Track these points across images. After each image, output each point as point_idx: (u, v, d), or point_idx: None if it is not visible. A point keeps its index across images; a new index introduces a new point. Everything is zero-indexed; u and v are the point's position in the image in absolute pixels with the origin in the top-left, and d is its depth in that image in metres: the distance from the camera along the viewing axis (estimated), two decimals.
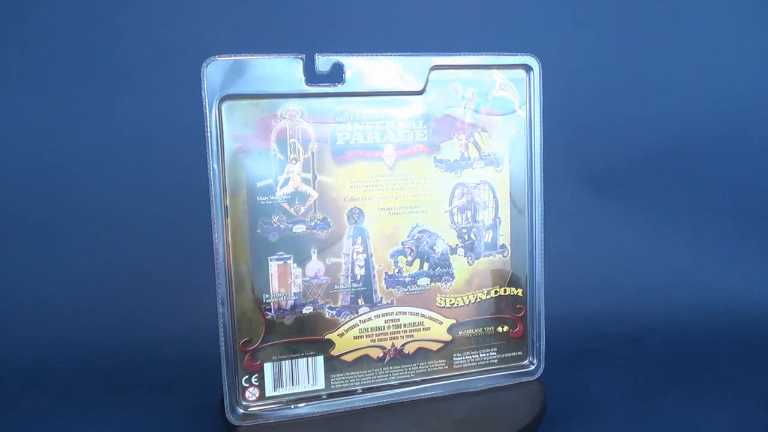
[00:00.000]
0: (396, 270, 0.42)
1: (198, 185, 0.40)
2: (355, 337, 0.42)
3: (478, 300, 0.44)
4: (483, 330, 0.44)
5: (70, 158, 0.60)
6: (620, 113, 0.67)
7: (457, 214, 0.43)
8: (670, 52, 0.67)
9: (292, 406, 0.41)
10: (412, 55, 0.41)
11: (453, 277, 0.43)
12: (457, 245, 0.43)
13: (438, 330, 0.43)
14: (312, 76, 0.39)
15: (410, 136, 0.42)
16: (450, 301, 0.44)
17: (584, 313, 0.61)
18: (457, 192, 0.43)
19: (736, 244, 0.66)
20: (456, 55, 0.41)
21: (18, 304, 0.58)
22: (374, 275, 0.42)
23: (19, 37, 0.59)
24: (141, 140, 0.61)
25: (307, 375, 0.41)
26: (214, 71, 0.37)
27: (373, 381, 0.42)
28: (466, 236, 0.44)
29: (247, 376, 0.40)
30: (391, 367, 0.43)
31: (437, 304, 0.43)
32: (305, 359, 0.41)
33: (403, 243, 0.42)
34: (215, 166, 0.38)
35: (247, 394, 0.40)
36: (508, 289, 0.45)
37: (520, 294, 0.45)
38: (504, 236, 0.44)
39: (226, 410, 0.40)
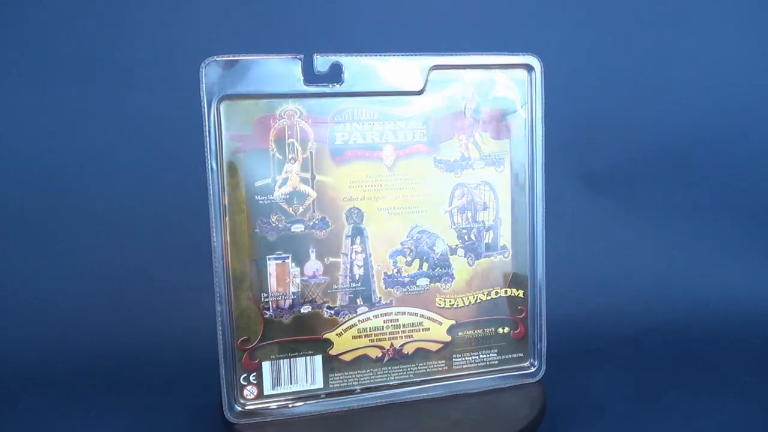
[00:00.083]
0: (395, 270, 0.42)
1: (197, 185, 0.40)
2: (354, 337, 0.42)
3: (479, 301, 0.44)
4: (483, 331, 0.44)
5: (70, 158, 0.60)
6: (620, 113, 0.67)
7: (457, 214, 0.43)
8: (670, 52, 0.66)
9: (290, 405, 0.41)
10: (411, 55, 0.40)
11: (453, 278, 0.43)
12: (457, 246, 0.43)
13: (437, 330, 0.43)
14: (310, 76, 0.39)
15: (409, 136, 0.41)
16: (450, 301, 0.43)
17: (584, 313, 0.61)
18: (457, 192, 0.43)
19: (736, 244, 0.66)
20: (456, 55, 0.41)
21: (18, 304, 0.58)
22: (373, 275, 0.42)
23: (19, 37, 0.59)
24: (140, 140, 0.61)
25: (305, 374, 0.41)
26: (213, 71, 0.37)
27: (371, 381, 0.42)
28: (466, 237, 0.43)
29: (245, 375, 0.40)
30: (390, 368, 0.43)
31: (437, 304, 0.43)
32: (303, 358, 0.41)
33: (402, 243, 0.42)
34: (214, 165, 0.38)
35: (246, 392, 0.40)
36: (508, 290, 0.44)
37: (521, 295, 0.45)
38: (505, 237, 0.44)
39: (224, 408, 0.40)
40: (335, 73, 0.39)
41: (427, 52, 0.41)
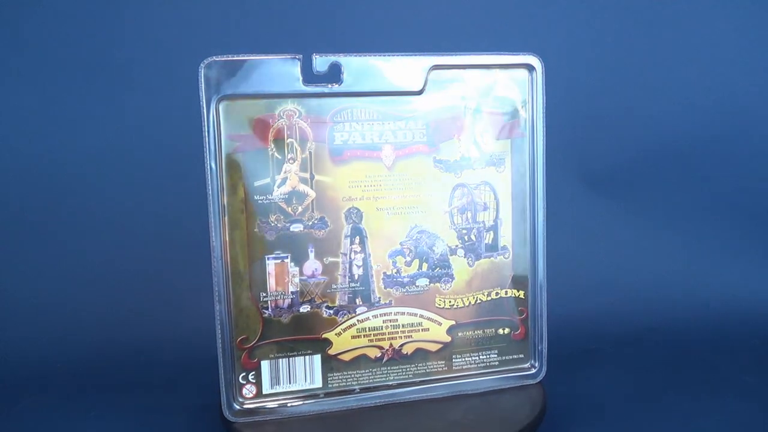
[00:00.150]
0: (394, 270, 0.42)
1: (197, 185, 0.40)
2: (353, 337, 0.42)
3: (479, 301, 0.44)
4: (483, 332, 0.44)
5: (70, 158, 0.60)
6: (620, 113, 0.67)
7: (456, 214, 0.43)
8: (670, 52, 0.66)
9: (289, 404, 0.41)
10: (410, 55, 0.40)
11: (452, 278, 0.43)
12: (456, 246, 0.43)
13: (437, 331, 0.43)
14: (309, 76, 0.39)
15: (409, 136, 0.41)
16: (449, 302, 0.43)
17: (584, 313, 0.61)
18: (457, 192, 0.43)
19: (736, 244, 0.66)
20: (457, 54, 0.41)
21: (18, 304, 0.58)
22: (372, 275, 0.42)
23: (19, 37, 0.59)
24: (140, 140, 0.61)
25: (304, 373, 0.41)
26: (212, 71, 0.37)
27: (370, 381, 0.42)
28: (466, 237, 0.43)
29: (244, 374, 0.40)
30: (389, 368, 0.43)
31: (436, 305, 0.43)
32: (302, 358, 0.41)
33: (401, 243, 0.42)
34: (213, 165, 0.38)
35: (244, 391, 0.41)
36: (509, 290, 0.44)
37: (521, 296, 0.44)
38: (505, 237, 0.44)
39: (223, 406, 0.40)
40: (334, 73, 0.39)
41: (427, 52, 0.41)
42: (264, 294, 0.40)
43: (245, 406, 0.40)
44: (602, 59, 0.66)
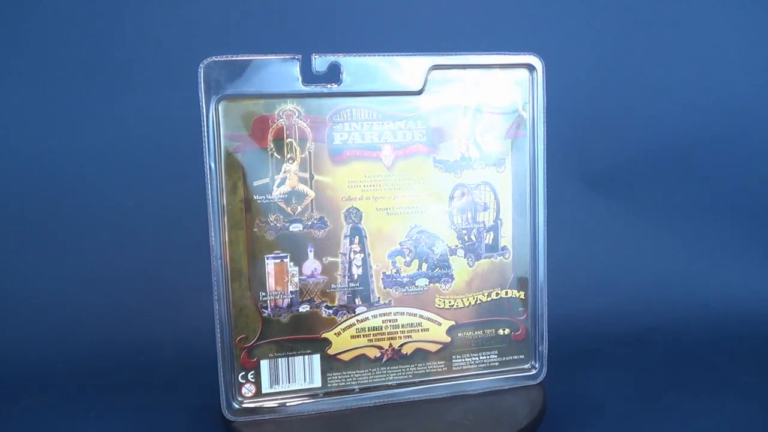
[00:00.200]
0: (394, 270, 0.42)
1: (196, 185, 0.40)
2: (352, 337, 0.42)
3: (479, 302, 0.44)
4: (483, 332, 0.44)
5: (70, 158, 0.60)
6: (620, 113, 0.66)
7: (456, 215, 0.43)
8: (671, 52, 0.66)
9: (288, 404, 0.41)
10: (410, 55, 0.40)
11: (452, 278, 0.43)
12: (456, 246, 0.43)
13: (437, 331, 0.43)
14: (309, 76, 0.39)
15: (408, 136, 0.41)
16: (449, 302, 0.43)
17: (584, 313, 0.61)
18: (457, 193, 0.43)
19: (736, 244, 0.66)
20: (457, 54, 0.41)
21: (18, 304, 0.58)
22: (372, 275, 0.42)
23: (19, 37, 0.59)
24: (139, 140, 0.61)
25: (303, 373, 0.41)
26: (211, 71, 0.37)
27: (370, 381, 0.42)
28: (466, 237, 0.43)
29: (243, 373, 0.41)
30: (388, 368, 0.43)
31: (436, 305, 0.43)
32: (302, 357, 0.41)
33: (401, 243, 0.42)
34: (212, 165, 0.38)
35: (244, 390, 0.41)
36: (509, 291, 0.44)
37: (522, 297, 0.44)
38: (506, 238, 0.44)
39: (222, 405, 0.40)
40: (333, 73, 0.40)
41: (427, 52, 0.41)
42: (263, 293, 0.40)
43: (244, 406, 0.40)
44: (602, 59, 0.66)
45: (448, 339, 0.43)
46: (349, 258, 0.42)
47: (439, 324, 0.43)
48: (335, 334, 0.42)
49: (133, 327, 0.57)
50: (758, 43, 0.66)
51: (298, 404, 0.41)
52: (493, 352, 0.44)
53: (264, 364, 0.41)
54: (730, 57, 0.66)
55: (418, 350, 0.43)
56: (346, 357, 0.42)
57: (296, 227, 0.40)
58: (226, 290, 0.39)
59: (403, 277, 0.43)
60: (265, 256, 0.40)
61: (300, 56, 0.39)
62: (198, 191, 0.40)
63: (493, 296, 0.44)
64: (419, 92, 0.41)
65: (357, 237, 0.41)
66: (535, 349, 0.44)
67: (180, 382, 0.50)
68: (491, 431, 0.39)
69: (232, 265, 0.39)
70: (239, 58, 0.38)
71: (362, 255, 0.42)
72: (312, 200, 0.40)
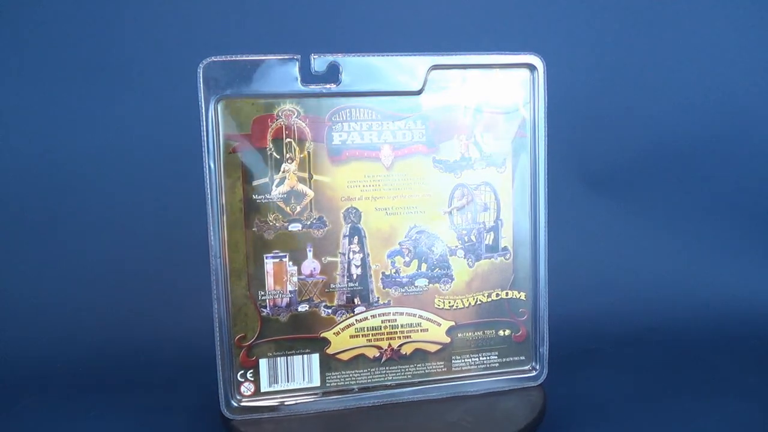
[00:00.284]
0: (393, 270, 0.42)
1: (196, 184, 0.41)
2: (351, 336, 0.42)
3: (479, 302, 0.44)
4: (483, 333, 0.44)
5: (70, 158, 0.60)
6: (620, 113, 0.66)
7: (456, 215, 0.43)
8: (671, 52, 0.66)
9: (287, 403, 0.41)
10: (409, 55, 0.40)
11: (452, 279, 0.43)
12: (456, 247, 0.43)
13: (436, 332, 0.43)
14: (308, 76, 0.39)
15: (408, 136, 0.41)
16: (449, 302, 0.43)
17: (584, 313, 0.61)
18: (457, 193, 0.43)
19: (736, 244, 0.66)
20: (457, 54, 0.41)
21: (18, 304, 0.58)
22: (371, 275, 0.42)
23: (19, 37, 0.59)
24: (139, 140, 0.61)
25: (302, 372, 0.41)
26: (211, 71, 0.38)
27: (369, 381, 0.42)
28: (466, 238, 0.43)
29: (242, 371, 0.41)
30: (387, 368, 0.43)
31: (435, 305, 0.43)
32: (300, 356, 0.41)
33: (400, 243, 0.42)
34: (212, 164, 0.38)
35: (243, 388, 0.41)
36: (510, 292, 0.44)
37: (522, 298, 0.44)
38: (506, 238, 0.44)
39: (221, 404, 0.40)
40: (332, 73, 0.40)
41: (427, 51, 0.41)
42: (262, 293, 0.40)
43: (243, 404, 0.40)
44: (602, 59, 0.66)
45: (447, 339, 0.43)
46: (348, 258, 0.41)
47: (439, 324, 0.43)
48: (334, 333, 0.42)
49: (133, 327, 0.57)
50: (758, 43, 0.66)
51: (296, 403, 0.41)
52: (493, 353, 0.44)
53: (263, 363, 0.41)
54: (730, 57, 0.66)
55: (417, 350, 0.43)
56: (345, 357, 0.42)
57: (295, 227, 0.40)
58: (225, 289, 0.40)
59: (403, 277, 0.43)
60: (264, 256, 0.40)
61: (299, 56, 0.39)
62: (197, 191, 0.40)
63: (494, 297, 0.44)
64: (419, 92, 0.41)
65: (356, 237, 0.41)
66: (535, 351, 0.44)
67: (180, 382, 0.50)
68: (490, 431, 0.40)
69: (231, 265, 0.39)
70: (238, 58, 0.38)
71: (361, 255, 0.42)
72: (311, 200, 0.40)
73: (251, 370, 0.41)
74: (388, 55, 0.40)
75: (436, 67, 0.41)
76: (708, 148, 0.66)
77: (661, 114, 0.66)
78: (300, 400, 0.41)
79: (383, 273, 0.42)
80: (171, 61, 0.60)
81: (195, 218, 0.44)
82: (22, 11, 0.59)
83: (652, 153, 0.66)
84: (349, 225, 0.41)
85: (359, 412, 0.41)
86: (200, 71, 0.38)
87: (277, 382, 0.41)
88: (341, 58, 0.39)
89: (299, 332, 0.41)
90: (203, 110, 0.38)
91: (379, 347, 0.42)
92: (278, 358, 0.41)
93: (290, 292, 0.41)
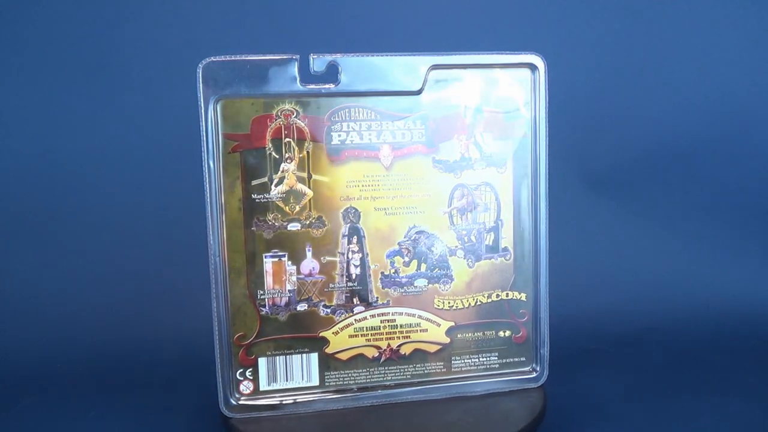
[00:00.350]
0: (392, 270, 0.42)
1: (195, 184, 0.41)
2: (350, 336, 0.42)
3: (479, 303, 0.44)
4: (483, 334, 0.44)
5: (70, 158, 0.60)
6: (620, 113, 0.66)
7: (456, 215, 0.43)
8: (671, 52, 0.66)
9: (286, 402, 0.41)
10: (408, 55, 0.40)
11: (452, 279, 0.43)
12: (456, 247, 0.43)
13: (436, 332, 0.43)
14: (307, 76, 0.39)
15: (407, 136, 0.41)
16: (449, 303, 0.43)
17: (584, 313, 0.60)
18: (457, 193, 0.43)
19: (736, 244, 0.66)
20: (457, 54, 0.41)
21: (18, 304, 0.58)
22: (370, 275, 0.42)
23: (19, 37, 0.59)
24: (139, 140, 0.61)
25: (301, 371, 0.41)
26: (210, 71, 0.38)
27: (368, 380, 0.42)
28: (465, 238, 0.43)
29: (241, 370, 0.41)
30: (386, 368, 0.43)
31: (435, 305, 0.43)
32: (299, 356, 0.41)
33: (399, 243, 0.42)
34: (211, 164, 0.38)
35: (242, 387, 0.41)
36: (510, 293, 0.44)
37: (523, 298, 0.44)
38: (506, 239, 0.44)
39: (220, 402, 0.40)
40: (332, 73, 0.40)
41: (427, 51, 0.41)
42: (261, 292, 0.40)
43: (242, 402, 0.41)
44: (603, 59, 0.66)
45: (447, 340, 0.43)
46: (347, 258, 0.42)
47: (439, 325, 0.43)
48: (333, 333, 0.42)
49: (133, 326, 0.57)
50: (758, 43, 0.66)
51: (295, 402, 0.41)
52: (493, 354, 0.44)
53: (262, 362, 0.41)
54: (730, 57, 0.66)
55: (416, 351, 0.43)
56: (344, 356, 0.42)
57: (294, 226, 0.40)
58: (225, 288, 0.40)
59: (402, 277, 0.43)
60: (264, 255, 0.40)
61: (298, 56, 0.39)
62: (197, 190, 0.40)
63: (494, 298, 0.44)
64: (418, 92, 0.41)
65: (355, 237, 0.41)
66: (536, 352, 0.44)
67: (180, 382, 0.50)
68: (490, 431, 0.39)
69: (231, 264, 0.40)
70: (238, 58, 0.38)
71: (360, 255, 0.42)
72: (310, 200, 0.41)
73: (250, 369, 0.41)
74: (387, 55, 0.40)
75: (435, 66, 0.41)
76: (708, 148, 0.66)
77: (662, 114, 0.66)
78: (299, 399, 0.41)
79: (382, 273, 0.42)
80: (170, 61, 0.60)
81: (194, 218, 0.44)
82: (22, 11, 0.59)
83: (652, 153, 0.66)
84: (348, 225, 0.41)
85: (358, 412, 0.41)
86: (199, 71, 0.38)
87: (276, 381, 0.41)
88: (340, 58, 0.39)
89: (298, 331, 0.41)
90: (202, 110, 0.38)
91: (378, 347, 0.42)
92: (277, 357, 0.41)
93: (289, 291, 0.41)
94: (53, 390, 0.50)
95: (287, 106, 0.39)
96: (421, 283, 0.43)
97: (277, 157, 0.40)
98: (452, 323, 0.43)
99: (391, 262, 0.42)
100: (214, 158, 0.39)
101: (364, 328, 0.42)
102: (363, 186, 0.41)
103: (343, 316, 0.42)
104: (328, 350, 0.42)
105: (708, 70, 0.66)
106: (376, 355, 0.42)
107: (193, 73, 0.38)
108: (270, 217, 0.40)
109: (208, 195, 0.39)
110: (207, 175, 0.39)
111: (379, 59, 0.40)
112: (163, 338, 0.56)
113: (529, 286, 0.44)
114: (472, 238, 0.43)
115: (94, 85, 0.60)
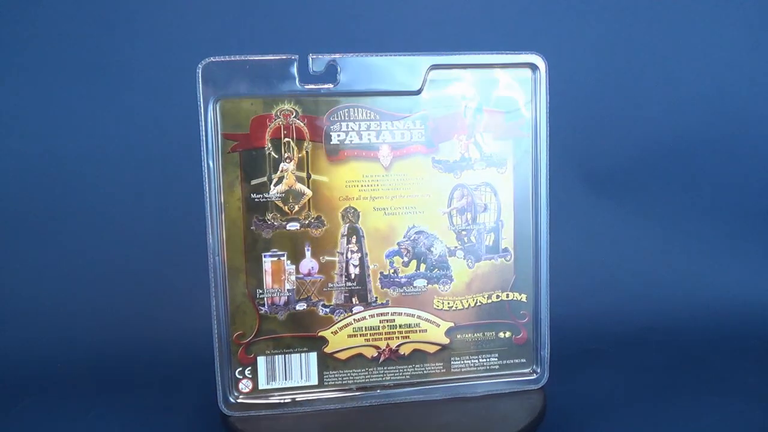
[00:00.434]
0: (391, 270, 0.42)
1: (195, 184, 0.41)
2: (349, 336, 0.42)
3: (479, 304, 0.43)
4: (483, 335, 0.44)
5: (70, 158, 0.60)
6: (621, 113, 0.66)
7: (456, 215, 0.43)
8: (671, 53, 0.66)
9: (285, 401, 0.41)
10: (408, 55, 0.40)
11: (451, 280, 0.43)
12: (456, 247, 0.43)
13: (435, 332, 0.43)
14: (306, 76, 0.39)
15: (407, 136, 0.41)
16: (448, 303, 0.43)
17: (584, 313, 0.60)
18: (457, 193, 0.43)
19: (736, 244, 0.66)
20: (457, 54, 0.41)
21: (18, 304, 0.58)
22: (369, 275, 0.42)
23: (19, 37, 0.59)
24: (138, 140, 0.61)
25: (300, 371, 0.41)
26: (210, 71, 0.38)
27: (367, 380, 0.42)
28: (465, 238, 0.43)
29: (240, 369, 0.41)
30: (385, 368, 0.43)
31: (435, 306, 0.43)
32: (298, 355, 0.41)
33: (398, 243, 0.42)
34: (210, 163, 0.39)
35: (241, 385, 0.41)
36: (510, 293, 0.44)
37: (523, 299, 0.44)
38: (507, 240, 0.43)
39: (219, 400, 0.40)
40: (331, 73, 0.40)
41: (427, 51, 0.41)
42: (260, 291, 0.40)
43: (241, 401, 0.41)
44: (604, 59, 0.66)
45: (446, 340, 0.43)
46: (347, 257, 0.41)
47: (438, 325, 0.43)
48: (332, 332, 0.42)
49: (132, 325, 0.57)
50: (758, 43, 0.66)
51: (294, 401, 0.41)
52: (493, 355, 0.44)
53: (261, 361, 0.41)
54: (729, 57, 0.66)
55: (415, 351, 0.43)
56: (342, 356, 0.42)
57: (293, 226, 0.40)
58: (224, 287, 0.40)
59: (401, 277, 0.42)
60: (263, 254, 0.40)
61: (297, 56, 0.39)
62: (196, 190, 0.40)
63: (494, 298, 0.44)
64: (418, 92, 0.41)
65: (354, 236, 0.41)
66: (536, 354, 0.44)
67: (180, 382, 0.50)
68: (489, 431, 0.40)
69: (230, 263, 0.40)
70: (237, 58, 0.38)
71: (359, 254, 0.42)
72: (309, 199, 0.41)
73: (249, 368, 0.41)
74: (387, 55, 0.40)
75: (435, 66, 0.41)
76: (708, 148, 0.66)
77: (662, 114, 0.66)
78: (298, 398, 0.41)
79: (381, 273, 0.42)
80: (170, 61, 0.60)
81: (194, 217, 0.44)
82: (22, 11, 0.59)
83: (652, 153, 0.66)
84: (347, 224, 0.41)
85: (357, 412, 0.41)
86: (199, 71, 0.38)
87: (275, 380, 0.41)
88: (339, 58, 0.39)
89: (297, 331, 0.41)
90: (202, 110, 0.38)
91: (377, 347, 0.42)
92: (276, 356, 0.41)
93: (288, 290, 0.41)
94: (53, 390, 0.50)
95: (286, 106, 0.39)
96: (420, 283, 0.43)
97: (277, 156, 0.40)
98: (452, 324, 0.43)
99: (390, 262, 0.42)
100: (213, 158, 0.39)
101: (363, 328, 0.42)
102: (362, 186, 0.41)
103: (342, 316, 0.42)
104: (327, 350, 0.42)
105: (707, 70, 0.66)
106: (375, 355, 0.42)
107: (192, 73, 0.38)
108: (269, 216, 0.40)
109: (208, 194, 0.39)
110: (206, 175, 0.39)
111: (378, 59, 0.40)
112: (163, 337, 0.56)
113: (530, 287, 0.43)
114: (472, 238, 0.43)
115: (94, 85, 0.60)
